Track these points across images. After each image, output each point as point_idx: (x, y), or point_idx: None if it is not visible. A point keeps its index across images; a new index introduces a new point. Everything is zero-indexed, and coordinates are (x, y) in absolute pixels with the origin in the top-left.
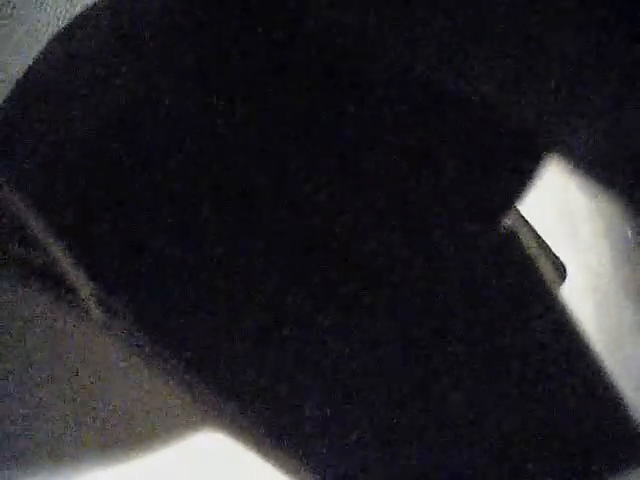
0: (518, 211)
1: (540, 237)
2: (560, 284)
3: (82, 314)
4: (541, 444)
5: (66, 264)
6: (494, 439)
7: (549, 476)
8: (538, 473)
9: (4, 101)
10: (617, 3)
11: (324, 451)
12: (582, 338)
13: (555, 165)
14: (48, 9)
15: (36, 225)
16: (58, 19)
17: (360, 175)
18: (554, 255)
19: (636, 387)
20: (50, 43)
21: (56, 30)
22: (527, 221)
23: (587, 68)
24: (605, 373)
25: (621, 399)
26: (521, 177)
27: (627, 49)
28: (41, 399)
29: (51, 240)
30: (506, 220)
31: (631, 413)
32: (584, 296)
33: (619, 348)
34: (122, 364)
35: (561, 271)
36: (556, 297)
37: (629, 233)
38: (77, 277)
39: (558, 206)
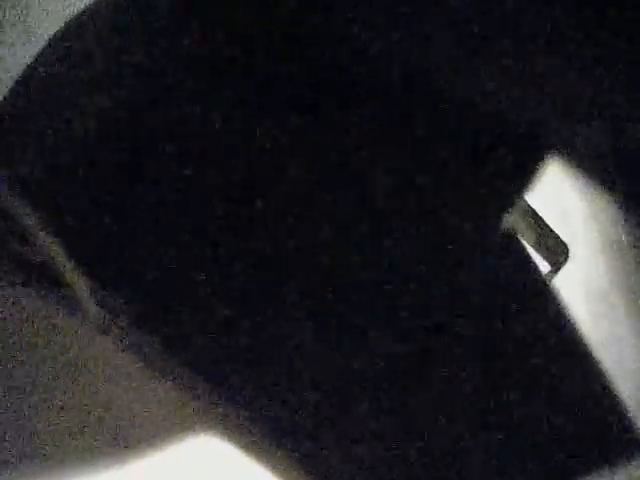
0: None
1: (543, 221)
2: (562, 266)
3: (82, 314)
4: (540, 444)
5: (66, 264)
6: (492, 439)
7: (549, 475)
8: (537, 473)
9: (3, 100)
10: (618, 4)
11: (324, 452)
12: (578, 338)
13: (554, 166)
14: (48, 7)
15: (36, 225)
16: (58, 18)
17: (360, 174)
18: (556, 236)
19: (633, 386)
20: (50, 42)
21: (56, 29)
22: (530, 207)
23: (587, 69)
24: (601, 373)
25: (618, 398)
26: (520, 177)
27: (627, 50)
28: (40, 399)
29: (51, 240)
30: (507, 219)
31: (628, 411)
32: (579, 297)
33: (615, 348)
34: (121, 364)
35: (564, 251)
36: (554, 297)
37: (624, 236)
38: (77, 277)
39: (555, 208)
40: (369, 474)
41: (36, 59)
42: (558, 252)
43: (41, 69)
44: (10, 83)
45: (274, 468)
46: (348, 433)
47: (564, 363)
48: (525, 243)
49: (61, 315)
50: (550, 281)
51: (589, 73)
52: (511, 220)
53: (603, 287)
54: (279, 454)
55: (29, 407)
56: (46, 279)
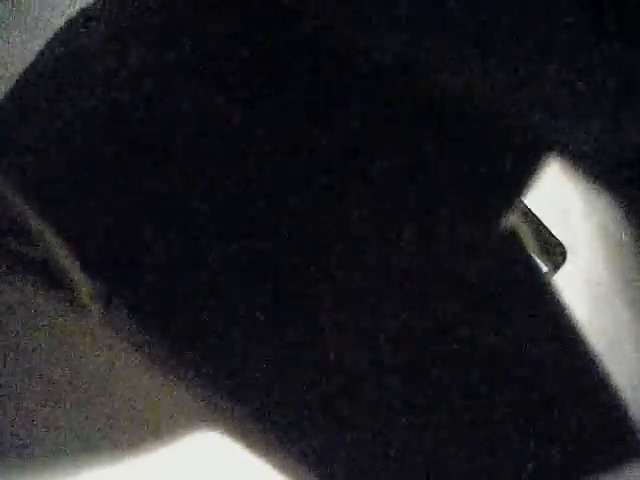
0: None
1: (541, 222)
2: (560, 267)
3: (82, 313)
4: (540, 444)
5: (66, 262)
6: (492, 439)
7: (549, 476)
8: (538, 473)
9: (4, 98)
10: (617, 4)
11: (324, 451)
12: (579, 338)
13: (553, 165)
14: (49, 6)
15: (36, 223)
16: (59, 16)
17: (358, 174)
18: (554, 238)
19: (633, 386)
20: (50, 41)
21: (57, 28)
22: (528, 208)
23: (587, 68)
24: (602, 373)
25: (619, 399)
26: (519, 177)
27: (627, 50)
28: (41, 398)
29: (51, 238)
30: (506, 220)
31: (629, 412)
32: (579, 297)
33: (615, 348)
34: (122, 363)
35: (561, 252)
36: (553, 298)
37: (624, 235)
38: (77, 275)
39: (555, 207)
40: (370, 474)
41: (38, 57)
42: (555, 252)
43: (43, 67)
44: (11, 81)
45: (275, 467)
46: (349, 433)
47: (563, 363)
48: (523, 244)
49: (62, 314)
50: (549, 281)
51: (589, 73)
52: (510, 220)
53: (603, 286)
54: (280, 453)
55: (30, 406)
56: (48, 278)
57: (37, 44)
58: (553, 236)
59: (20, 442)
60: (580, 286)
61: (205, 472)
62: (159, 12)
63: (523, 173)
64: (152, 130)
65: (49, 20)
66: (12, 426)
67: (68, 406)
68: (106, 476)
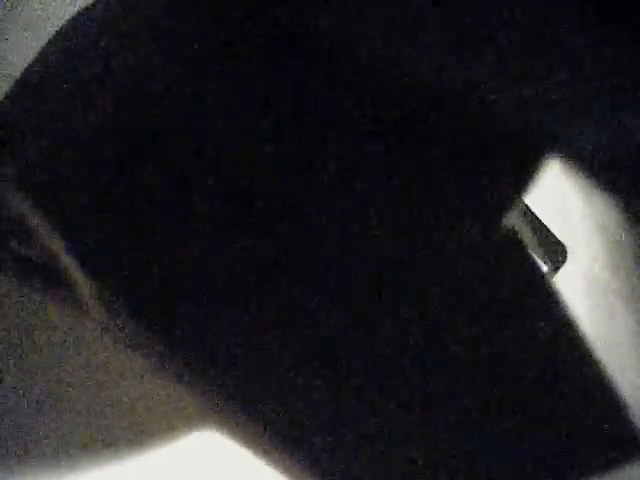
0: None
1: (541, 222)
2: (561, 267)
3: (82, 313)
4: (538, 444)
5: (67, 263)
6: (492, 439)
7: (548, 476)
8: (537, 473)
9: (4, 98)
10: (617, 3)
11: (325, 451)
12: (578, 338)
13: (552, 165)
14: (48, 6)
15: (37, 224)
16: (59, 16)
17: (358, 174)
18: (554, 237)
19: (632, 386)
20: (50, 40)
21: (57, 27)
22: (528, 208)
23: (588, 68)
24: (601, 372)
25: (619, 399)
26: (519, 177)
27: (627, 49)
28: (40, 398)
29: (52, 239)
30: (506, 219)
31: (629, 412)
32: (579, 297)
33: (614, 348)
34: (122, 363)
35: (562, 252)
36: (553, 298)
37: (624, 235)
38: (78, 276)
39: (554, 207)
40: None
41: (38, 57)
42: (556, 252)
43: (43, 67)
44: (10, 81)
45: (276, 467)
46: (351, 433)
47: (563, 363)
48: (523, 243)
49: (62, 315)
50: (549, 281)
51: (589, 72)
52: (510, 220)
53: (603, 286)
54: (280, 453)
55: (30, 406)
56: (47, 279)
57: (37, 44)
58: (553, 236)
59: (20, 442)
60: (580, 286)
61: (205, 472)
62: (160, 11)
63: (523, 173)
64: (153, 130)
65: (49, 20)
66: (12, 426)
67: (68, 406)
68: (106, 476)
